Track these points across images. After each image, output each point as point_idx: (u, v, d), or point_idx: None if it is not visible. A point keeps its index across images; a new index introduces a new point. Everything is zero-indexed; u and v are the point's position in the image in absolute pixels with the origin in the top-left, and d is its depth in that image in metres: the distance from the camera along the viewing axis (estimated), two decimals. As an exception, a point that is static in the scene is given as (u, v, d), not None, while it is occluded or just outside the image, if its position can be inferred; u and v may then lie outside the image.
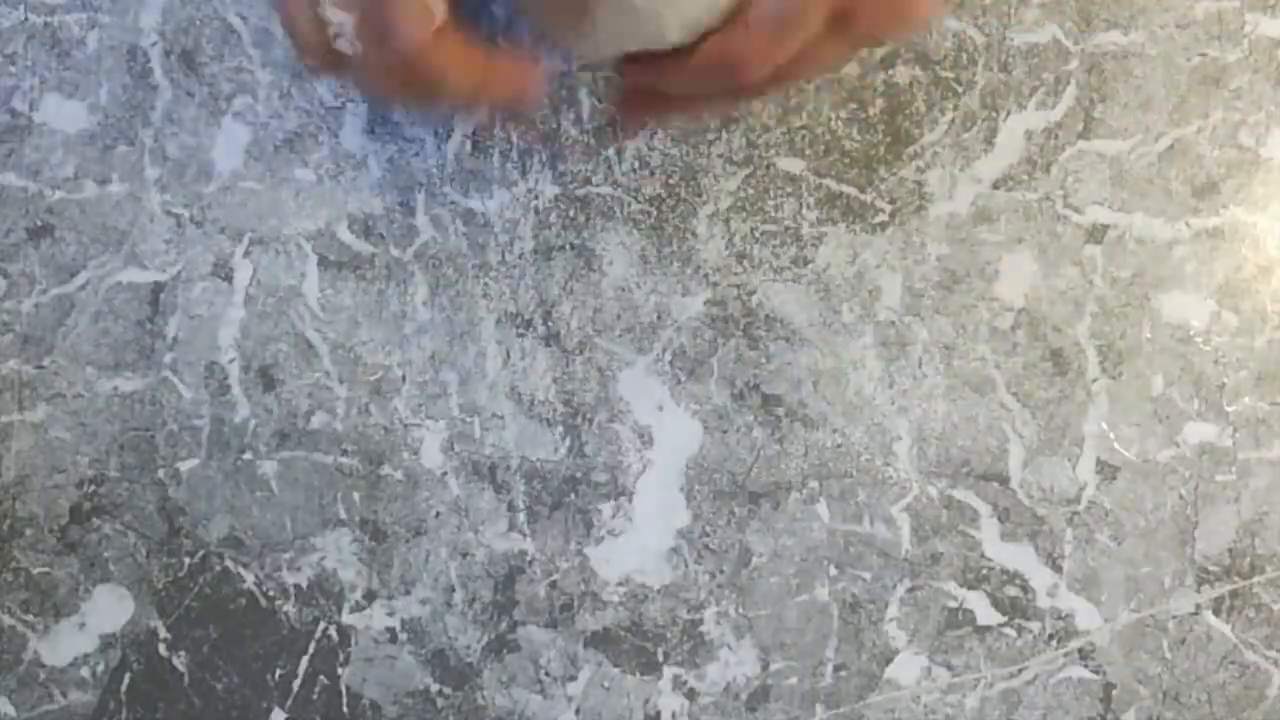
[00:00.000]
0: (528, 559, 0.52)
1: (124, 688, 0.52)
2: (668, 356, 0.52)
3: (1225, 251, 0.52)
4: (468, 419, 0.52)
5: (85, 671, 0.52)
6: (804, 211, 0.52)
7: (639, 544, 0.52)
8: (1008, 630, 0.51)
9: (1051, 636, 0.51)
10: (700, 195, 0.52)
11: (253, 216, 0.52)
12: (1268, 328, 0.52)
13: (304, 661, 0.52)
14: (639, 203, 0.51)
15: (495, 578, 0.52)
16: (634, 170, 0.51)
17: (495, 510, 0.52)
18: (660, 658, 0.52)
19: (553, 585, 0.52)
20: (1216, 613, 0.51)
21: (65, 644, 0.52)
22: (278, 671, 0.52)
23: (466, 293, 0.52)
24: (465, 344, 0.52)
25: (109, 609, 0.52)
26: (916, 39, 0.51)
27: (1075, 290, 0.52)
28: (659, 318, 0.52)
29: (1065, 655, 0.52)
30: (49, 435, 0.52)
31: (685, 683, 0.52)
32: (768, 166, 0.51)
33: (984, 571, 0.51)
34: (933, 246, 0.52)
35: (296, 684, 0.52)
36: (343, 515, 0.52)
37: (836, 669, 0.52)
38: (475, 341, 0.52)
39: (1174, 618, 0.51)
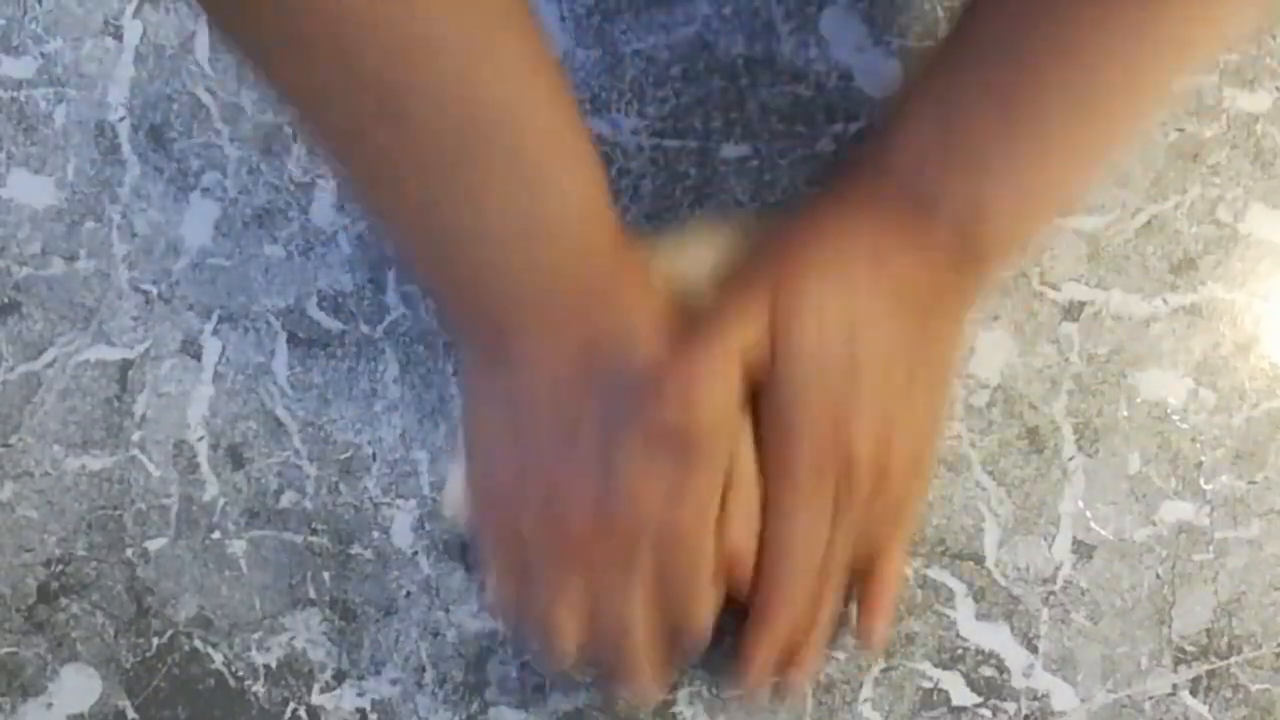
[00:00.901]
0: (499, 639, 0.51)
1: (92, 767, 0.51)
2: (640, 435, 0.51)
3: (1203, 328, 0.51)
4: (438, 498, 0.51)
5: (53, 751, 0.51)
6: (778, 288, 0.51)
7: (611, 624, 0.51)
8: (983, 711, 0.51)
9: (1027, 717, 0.51)
10: (673, 272, 0.51)
11: (222, 293, 0.51)
12: (1245, 405, 0.51)
13: (274, 741, 0.51)
14: (611, 279, 0.51)
15: (466, 657, 0.51)
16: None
17: (466, 590, 0.51)
18: (633, 737, 0.51)
19: (524, 665, 0.51)
20: (1194, 693, 0.51)
21: (33, 723, 0.51)
22: (247, 751, 0.51)
23: (437, 370, 0.51)
24: (436, 422, 0.51)
25: (77, 689, 0.51)
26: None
27: (1051, 368, 0.51)
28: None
29: (1041, 735, 0.51)
30: (15, 514, 0.51)
31: (658, 763, 0.51)
32: (741, 243, 0.51)
33: (959, 651, 0.51)
34: (908, 323, 0.51)
35: (266, 764, 0.51)
36: (312, 595, 0.51)
37: (811, 749, 0.51)
38: (446, 419, 0.51)
39: (1151, 698, 0.51)
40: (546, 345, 0.43)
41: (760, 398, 0.43)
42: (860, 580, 0.47)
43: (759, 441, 0.44)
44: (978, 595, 0.51)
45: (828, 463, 0.43)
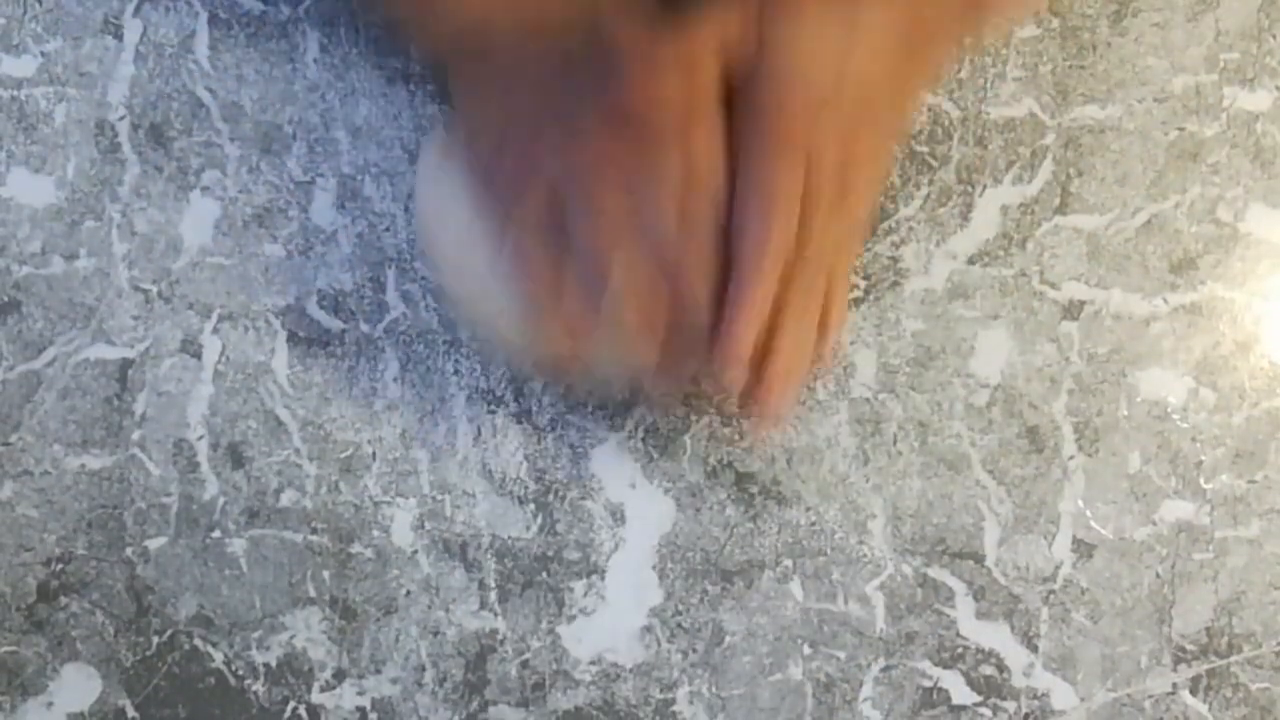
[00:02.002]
0: (499, 638, 0.51)
1: (92, 766, 0.51)
2: (640, 433, 0.51)
3: (1203, 328, 0.51)
4: (438, 497, 0.51)
5: (53, 750, 0.51)
6: (778, 287, 0.51)
7: (611, 623, 0.51)
8: (983, 710, 0.51)
9: (1027, 716, 0.51)
10: (673, 271, 0.51)
11: (221, 292, 0.51)
12: (1245, 404, 0.51)
13: (274, 740, 0.51)
14: (611, 278, 0.51)
15: (466, 656, 0.51)
16: (606, 246, 0.51)
17: (466, 589, 0.51)
18: (633, 736, 0.51)
19: (524, 664, 0.51)
20: (1194, 692, 0.51)
21: (33, 722, 0.51)
22: (247, 750, 0.51)
23: (437, 369, 0.51)
24: (436, 421, 0.51)
25: (77, 688, 0.51)
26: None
27: (1051, 367, 0.51)
28: (631, 394, 0.51)
29: (1041, 734, 0.51)
30: (16, 513, 0.51)
31: (658, 762, 0.51)
32: (741, 242, 0.51)
33: (959, 650, 0.51)
34: (908, 322, 0.51)
35: (266, 763, 0.51)
36: (312, 594, 0.51)
37: (811, 748, 0.51)
38: (446, 418, 0.51)
39: (1150, 697, 0.51)
40: (525, 24, 0.42)
41: (736, 94, 0.41)
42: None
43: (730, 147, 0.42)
44: (978, 594, 0.51)
45: (798, 156, 0.41)
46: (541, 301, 0.45)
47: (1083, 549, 0.51)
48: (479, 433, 0.51)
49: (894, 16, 0.41)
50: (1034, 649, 0.51)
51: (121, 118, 0.51)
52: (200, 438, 0.51)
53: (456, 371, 0.51)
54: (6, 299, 0.51)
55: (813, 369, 0.48)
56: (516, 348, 0.47)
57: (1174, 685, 0.51)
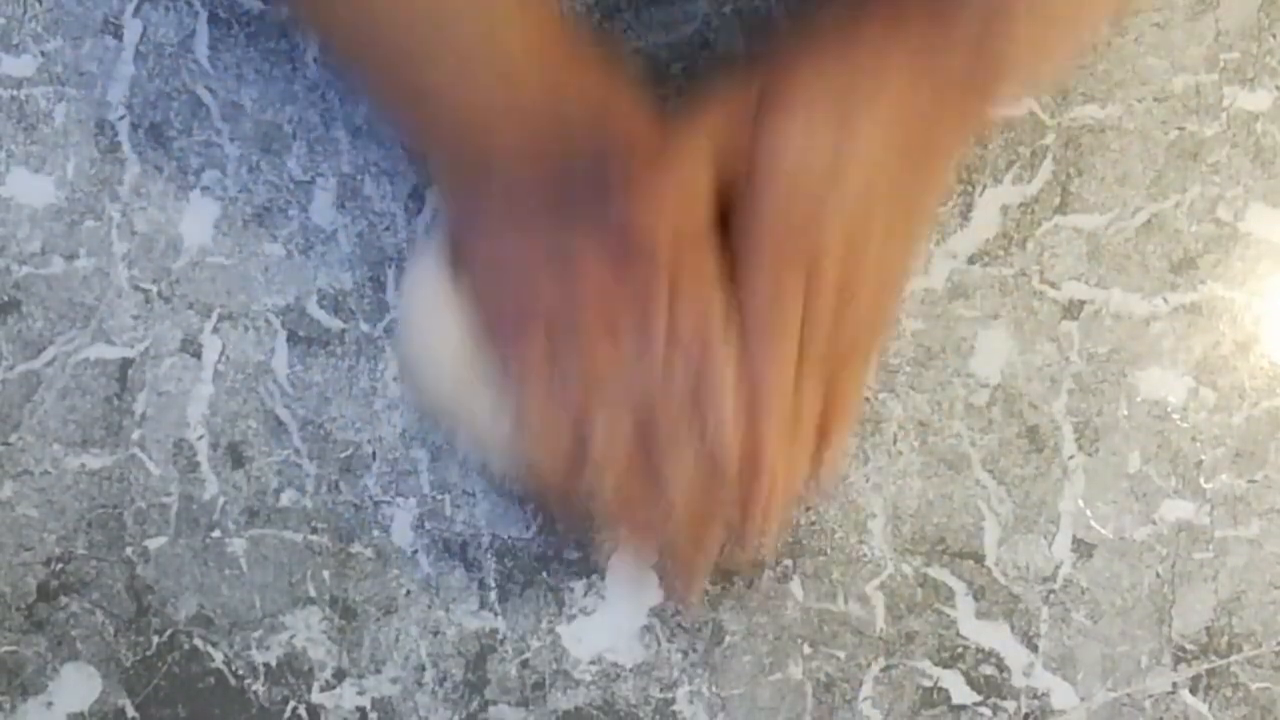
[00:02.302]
0: (499, 637, 0.51)
1: (92, 766, 0.51)
2: (640, 433, 0.51)
3: (1203, 327, 0.51)
4: (439, 496, 0.51)
5: (53, 750, 0.51)
6: (778, 287, 0.51)
7: (611, 622, 0.51)
8: (983, 710, 0.51)
9: (1027, 716, 0.51)
10: (673, 270, 0.51)
11: (221, 292, 0.51)
12: (1245, 404, 0.51)
13: (274, 740, 0.51)
14: (611, 278, 0.51)
15: (466, 656, 0.51)
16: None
17: (466, 588, 0.51)
18: (633, 736, 0.51)
19: (524, 664, 0.51)
20: (1194, 692, 0.51)
21: (33, 722, 0.51)
22: (247, 750, 0.51)
23: (437, 369, 0.51)
24: (436, 420, 0.51)
25: (76, 688, 0.51)
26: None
27: (1051, 366, 0.51)
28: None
29: (1041, 734, 0.51)
30: (15, 512, 0.51)
31: (658, 761, 0.51)
32: (741, 241, 0.51)
33: (959, 650, 0.51)
34: (908, 322, 0.51)
35: (266, 762, 0.51)
36: (312, 593, 0.51)
37: (811, 748, 0.51)
38: (446, 418, 0.51)
39: (1150, 697, 0.51)
40: (525, 146, 0.42)
41: (734, 203, 0.41)
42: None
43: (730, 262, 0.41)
44: (978, 594, 0.51)
45: (795, 258, 0.40)
46: (536, 443, 0.44)
47: (1083, 549, 0.51)
48: (479, 432, 0.51)
49: (888, 126, 0.40)
50: (1034, 649, 0.51)
51: (121, 117, 0.51)
52: (200, 437, 0.51)
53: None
54: (6, 299, 0.51)
55: (809, 487, 0.47)
56: (503, 466, 0.48)
57: (1174, 685, 0.51)
